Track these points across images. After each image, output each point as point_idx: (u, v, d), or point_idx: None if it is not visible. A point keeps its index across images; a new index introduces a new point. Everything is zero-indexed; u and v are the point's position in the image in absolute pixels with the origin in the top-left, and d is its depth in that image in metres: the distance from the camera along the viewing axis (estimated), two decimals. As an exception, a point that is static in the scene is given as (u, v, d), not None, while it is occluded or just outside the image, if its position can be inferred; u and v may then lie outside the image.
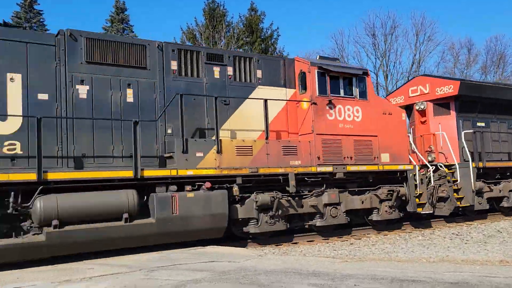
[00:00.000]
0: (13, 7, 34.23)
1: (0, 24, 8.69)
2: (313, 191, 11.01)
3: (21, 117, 8.09)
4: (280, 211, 10.42)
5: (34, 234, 7.88)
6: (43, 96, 8.37)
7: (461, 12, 64.20)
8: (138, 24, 59.00)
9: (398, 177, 12.44)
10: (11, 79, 8.10)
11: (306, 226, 11.46)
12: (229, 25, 33.65)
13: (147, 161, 9.19)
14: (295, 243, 10.87)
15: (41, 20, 33.76)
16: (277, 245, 10.46)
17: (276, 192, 10.34)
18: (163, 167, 9.37)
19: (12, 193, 7.60)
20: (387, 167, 12.04)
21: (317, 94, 11.11)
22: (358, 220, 12.36)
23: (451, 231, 12.28)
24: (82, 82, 8.80)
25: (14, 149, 8.03)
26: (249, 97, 10.69)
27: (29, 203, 7.80)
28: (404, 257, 8.71)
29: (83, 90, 8.76)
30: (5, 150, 7.94)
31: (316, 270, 6.82)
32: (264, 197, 10.11)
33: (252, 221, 10.24)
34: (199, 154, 9.38)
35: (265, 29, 35.12)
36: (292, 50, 71.28)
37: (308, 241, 11.08)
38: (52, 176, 7.91)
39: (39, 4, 34.00)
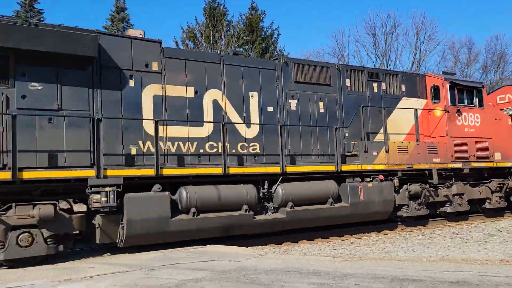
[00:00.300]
0: (13, 6, 33.61)
1: (228, 53, 11.28)
2: (445, 183, 13.51)
3: (258, 125, 10.69)
4: (423, 199, 12.94)
5: (272, 213, 10.48)
6: (270, 109, 10.97)
7: (461, 12, 63.83)
8: (138, 23, 57.63)
9: (505, 172, 14.91)
10: (252, 96, 10.71)
11: (438, 212, 13.98)
12: (229, 24, 32.84)
13: (333, 159, 11.71)
14: (295, 242, 11.00)
15: (42, 19, 32.47)
16: (277, 244, 10.71)
17: (420, 184, 12.85)
18: (344, 163, 11.91)
19: (266, 181, 10.23)
20: (499, 164, 14.52)
21: (449, 104, 13.61)
22: (473, 208, 14.83)
23: (452, 230, 12.58)
24: (292, 97, 11.39)
25: (255, 149, 10.64)
26: (397, 106, 13.23)
27: (272, 189, 10.40)
28: (404, 256, 8.77)
29: (293, 104, 11.35)
30: (250, 149, 10.56)
31: (316, 269, 6.78)
32: (416, 187, 12.63)
33: (404, 207, 12.77)
34: (374, 153, 11.92)
35: (266, 28, 34.24)
36: (292, 50, 70.54)
37: (307, 240, 11.35)
38: (288, 169, 10.51)
39: (39, 3, 33.24)
